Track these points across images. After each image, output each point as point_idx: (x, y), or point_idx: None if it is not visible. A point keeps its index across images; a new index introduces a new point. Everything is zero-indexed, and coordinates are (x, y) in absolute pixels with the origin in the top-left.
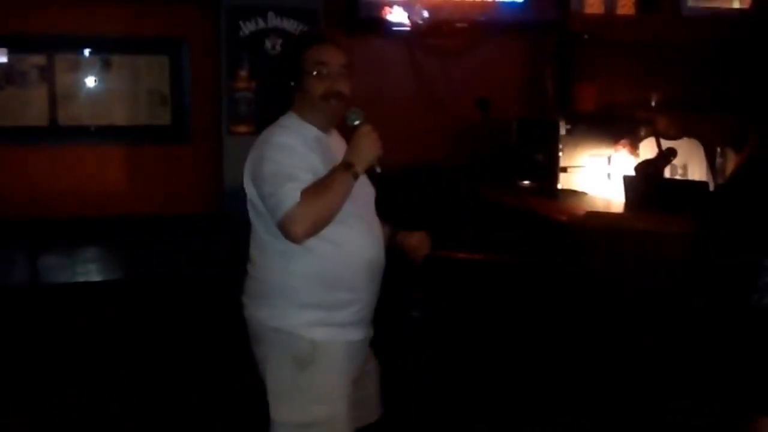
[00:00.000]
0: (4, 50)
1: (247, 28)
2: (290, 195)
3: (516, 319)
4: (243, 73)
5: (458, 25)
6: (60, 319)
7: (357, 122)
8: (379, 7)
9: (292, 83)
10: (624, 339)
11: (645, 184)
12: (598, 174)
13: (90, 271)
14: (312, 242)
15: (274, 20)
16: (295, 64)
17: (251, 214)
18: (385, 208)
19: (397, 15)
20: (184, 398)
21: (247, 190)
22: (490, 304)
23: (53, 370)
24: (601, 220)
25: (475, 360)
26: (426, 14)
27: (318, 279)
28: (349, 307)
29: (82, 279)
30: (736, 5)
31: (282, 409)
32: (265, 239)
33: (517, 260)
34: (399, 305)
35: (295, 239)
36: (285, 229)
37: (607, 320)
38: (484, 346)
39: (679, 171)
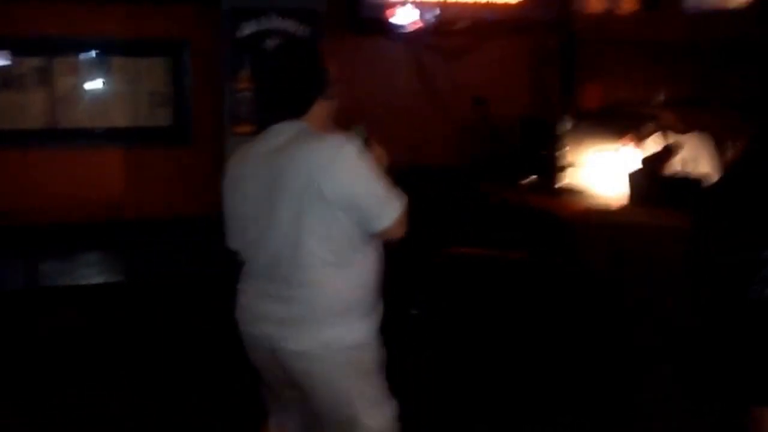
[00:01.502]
0: (6, 53)
1: (248, 28)
2: (399, 198)
3: (516, 318)
4: (244, 73)
5: (461, 25)
6: (61, 323)
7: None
8: (382, 8)
9: (313, 93)
10: (624, 337)
11: (648, 180)
12: (603, 171)
13: (91, 274)
14: (360, 250)
15: (274, 21)
16: (320, 73)
17: (303, 230)
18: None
19: (401, 17)
20: (184, 398)
21: (312, 200)
22: (490, 302)
23: (54, 373)
24: (602, 216)
25: (476, 360)
26: (438, 13)
27: (369, 286)
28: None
29: (83, 282)
30: (738, 1)
31: (377, 415)
32: (317, 255)
33: (519, 256)
34: (399, 303)
35: (395, 240)
36: (392, 232)
37: (608, 318)
38: (484, 345)
39: (690, 165)
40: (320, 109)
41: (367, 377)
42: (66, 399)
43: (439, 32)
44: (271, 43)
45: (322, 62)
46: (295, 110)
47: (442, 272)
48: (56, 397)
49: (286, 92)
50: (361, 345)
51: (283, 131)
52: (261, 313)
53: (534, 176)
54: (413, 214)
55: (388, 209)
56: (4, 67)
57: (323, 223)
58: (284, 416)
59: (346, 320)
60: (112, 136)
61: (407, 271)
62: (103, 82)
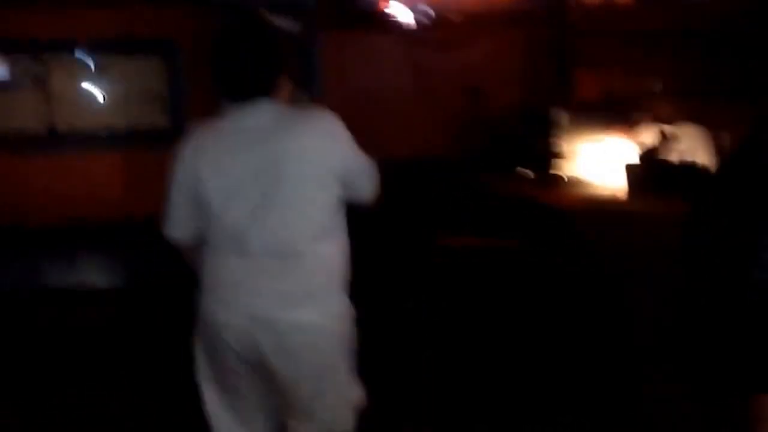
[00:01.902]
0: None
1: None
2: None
3: (514, 311)
4: None
5: (455, 17)
6: (61, 324)
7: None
8: (374, 2)
9: (279, 70)
10: (624, 331)
11: (646, 170)
12: (599, 161)
13: (90, 275)
14: (342, 220)
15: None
16: (280, 49)
17: (313, 199)
18: (385, 202)
19: (394, 8)
20: (186, 399)
21: (317, 171)
22: (487, 293)
23: (56, 374)
24: (601, 205)
25: (475, 356)
26: (431, 12)
27: (347, 256)
28: None
29: (82, 283)
30: None
31: (353, 390)
32: (318, 226)
33: (516, 246)
34: (394, 296)
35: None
36: (373, 199)
37: (608, 311)
38: (483, 340)
39: (686, 156)
40: (283, 84)
41: (348, 351)
42: (66, 399)
43: (432, 25)
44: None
45: (278, 38)
46: (266, 89)
47: (438, 264)
48: (57, 397)
49: (255, 72)
50: (347, 315)
51: (258, 110)
52: (250, 290)
53: (530, 167)
54: (410, 207)
55: (373, 178)
56: None
57: (325, 195)
58: None
59: (337, 290)
60: (108, 137)
61: (402, 264)
62: (97, 84)
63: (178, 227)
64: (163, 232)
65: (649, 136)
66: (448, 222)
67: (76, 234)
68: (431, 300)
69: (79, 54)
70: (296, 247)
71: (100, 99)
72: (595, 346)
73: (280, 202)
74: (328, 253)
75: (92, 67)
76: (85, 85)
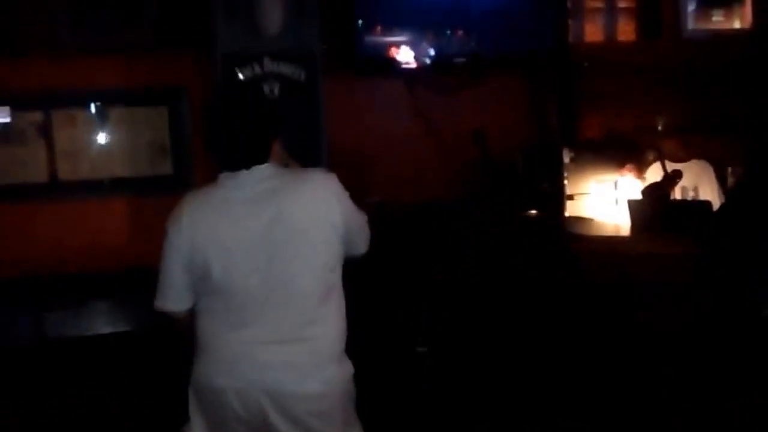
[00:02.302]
0: (6, 108)
1: (243, 74)
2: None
3: (518, 328)
4: None
5: (457, 60)
6: (68, 375)
7: None
8: (382, 48)
9: (274, 134)
10: (628, 348)
11: (649, 207)
12: (604, 200)
13: (97, 324)
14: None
15: (270, 65)
16: (276, 113)
17: (318, 262)
18: (393, 246)
19: (404, 55)
20: None
21: (321, 232)
22: (493, 318)
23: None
24: (605, 243)
25: (476, 365)
26: (432, 53)
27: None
28: None
29: (89, 333)
30: (737, 25)
31: None
32: (325, 290)
33: (519, 273)
34: (403, 340)
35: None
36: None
37: (612, 331)
38: (484, 351)
39: (690, 193)
40: (276, 146)
41: (350, 406)
42: None
43: (435, 69)
44: (268, 87)
45: (273, 105)
46: (263, 155)
47: (445, 299)
48: None
49: (254, 141)
50: (350, 376)
51: (257, 176)
52: (258, 361)
53: (536, 208)
54: (417, 248)
55: (368, 233)
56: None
57: (330, 257)
58: None
59: (342, 354)
60: (114, 186)
61: (409, 307)
62: (102, 133)
63: (175, 299)
64: (156, 305)
65: (654, 173)
66: (450, 260)
67: (82, 283)
68: (440, 336)
69: (82, 103)
70: (304, 314)
71: (104, 148)
72: (596, 351)
73: (286, 267)
74: (333, 317)
75: (96, 115)
76: (89, 134)
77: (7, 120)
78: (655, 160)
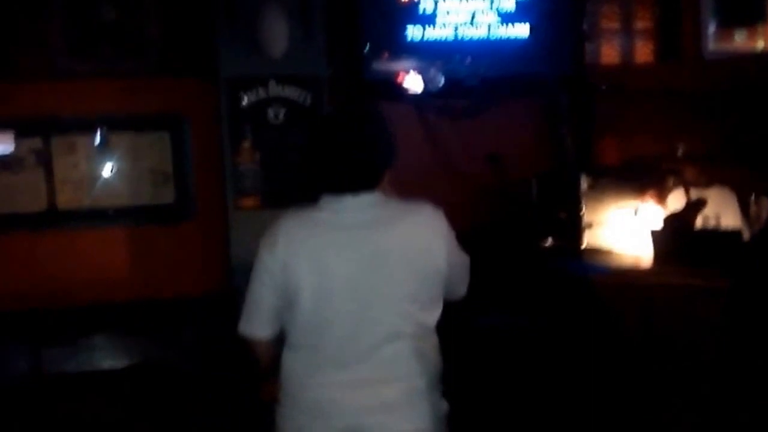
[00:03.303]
0: (10, 135)
1: (248, 98)
2: None
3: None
4: (246, 145)
5: (469, 84)
6: (68, 411)
7: None
8: (388, 73)
9: (389, 162)
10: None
11: (674, 237)
12: (624, 229)
13: (98, 357)
14: None
15: (275, 89)
16: (392, 141)
17: (421, 300)
18: None
19: (411, 81)
20: None
21: (426, 271)
22: (517, 370)
23: None
24: (630, 277)
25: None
26: (442, 80)
27: None
28: None
29: (89, 368)
30: (760, 45)
31: None
32: (428, 327)
33: (541, 325)
34: None
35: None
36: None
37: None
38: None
39: (712, 221)
40: (387, 176)
41: None
42: None
43: (447, 94)
44: (273, 112)
45: (390, 129)
46: (374, 182)
47: (466, 348)
48: None
49: (370, 164)
50: (445, 416)
51: (362, 203)
52: (353, 403)
53: (552, 238)
54: None
55: (468, 275)
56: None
57: (432, 296)
58: None
59: (438, 391)
60: (114, 215)
61: None
62: (103, 161)
63: (261, 325)
64: (239, 330)
65: (675, 200)
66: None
67: (83, 314)
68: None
69: (82, 129)
70: (403, 352)
71: (105, 175)
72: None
73: (384, 304)
74: (430, 355)
75: (96, 142)
76: (89, 161)
77: (11, 149)
78: (676, 187)
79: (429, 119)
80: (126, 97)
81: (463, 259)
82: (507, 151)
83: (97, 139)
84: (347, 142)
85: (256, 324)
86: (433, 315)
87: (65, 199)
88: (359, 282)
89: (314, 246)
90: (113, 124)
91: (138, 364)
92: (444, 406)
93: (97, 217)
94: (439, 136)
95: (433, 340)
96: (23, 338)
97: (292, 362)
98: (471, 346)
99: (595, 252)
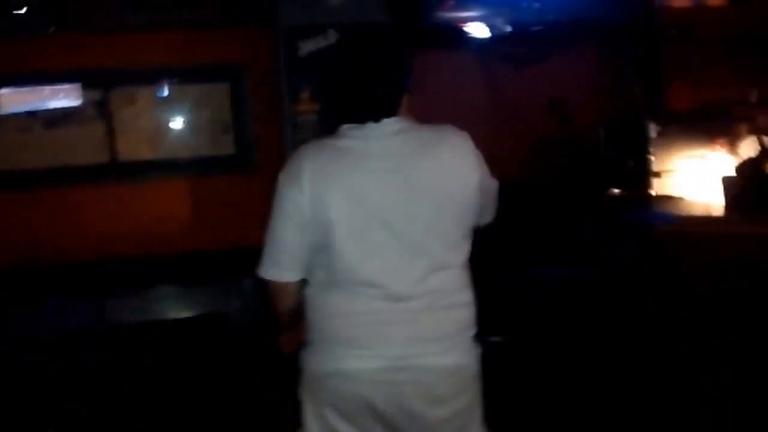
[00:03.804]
0: (75, 88)
1: (307, 47)
2: None
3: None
4: (305, 95)
5: (533, 29)
6: (132, 360)
7: None
8: (448, 20)
9: (406, 85)
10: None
11: (746, 185)
12: (694, 178)
13: (162, 309)
14: None
15: (334, 38)
16: (409, 64)
17: (455, 228)
18: None
19: (475, 28)
20: None
21: (459, 197)
22: (576, 323)
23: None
24: (700, 225)
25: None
26: (509, 28)
27: None
28: None
29: (153, 318)
30: None
31: None
32: (463, 258)
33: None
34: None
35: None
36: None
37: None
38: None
39: None
40: (406, 100)
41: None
42: None
43: (512, 41)
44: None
45: (406, 52)
46: (394, 107)
47: (523, 293)
48: None
49: (389, 88)
50: (479, 354)
51: (386, 130)
52: (393, 337)
53: (620, 187)
54: (494, 234)
55: (496, 200)
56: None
57: (467, 223)
58: None
59: (474, 327)
60: (173, 167)
61: (485, 295)
62: (163, 112)
63: (287, 268)
64: (262, 275)
65: (747, 148)
66: (533, 250)
67: (143, 266)
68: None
69: (142, 81)
70: (440, 283)
71: (166, 127)
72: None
73: (421, 233)
74: (466, 288)
75: (156, 93)
76: (149, 112)
77: (76, 101)
78: (748, 134)
79: (492, 67)
80: (185, 48)
81: (492, 184)
82: (573, 98)
83: (158, 91)
84: (359, 67)
85: (283, 266)
86: (467, 245)
87: (126, 151)
88: (396, 211)
89: (345, 176)
90: (173, 76)
91: (200, 314)
92: (478, 343)
93: (158, 168)
94: (502, 84)
95: (468, 273)
96: (88, 289)
97: (325, 300)
98: (527, 296)
99: (663, 200)
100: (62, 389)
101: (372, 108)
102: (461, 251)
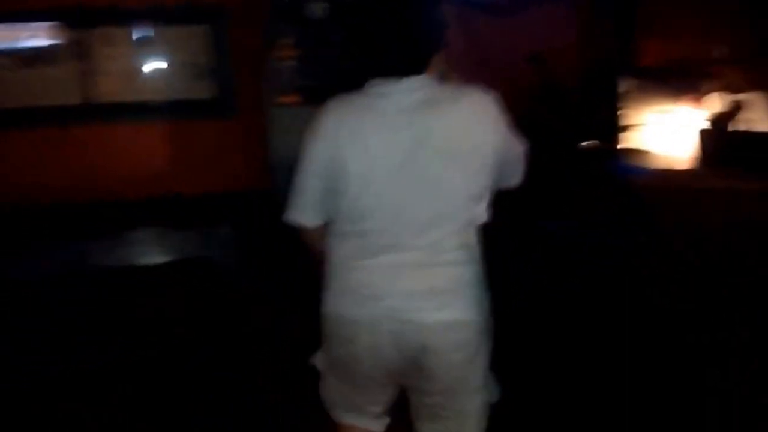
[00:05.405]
0: (47, 27)
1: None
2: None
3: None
4: (287, 41)
5: None
6: (110, 304)
7: None
8: None
9: (437, 46)
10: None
11: (718, 140)
12: (665, 131)
13: (139, 252)
14: None
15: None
16: (442, 23)
17: (467, 186)
18: None
19: None
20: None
21: (475, 158)
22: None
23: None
24: (674, 179)
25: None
26: None
27: None
28: None
29: (131, 262)
30: None
31: (494, 391)
32: (473, 216)
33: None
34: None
35: None
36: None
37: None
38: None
39: (755, 125)
40: (436, 59)
41: (488, 348)
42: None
43: None
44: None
45: (438, 12)
46: (419, 64)
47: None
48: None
49: (417, 46)
50: (488, 309)
51: (407, 86)
52: (395, 288)
53: (595, 139)
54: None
55: (523, 163)
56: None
57: (479, 184)
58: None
59: (482, 283)
60: (153, 109)
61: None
62: (141, 54)
63: (306, 213)
64: (287, 217)
65: (716, 104)
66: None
67: (122, 209)
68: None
69: (119, 22)
70: (446, 238)
71: (143, 69)
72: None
73: (430, 190)
74: (475, 244)
75: (134, 34)
76: (126, 54)
77: (48, 41)
78: (716, 90)
79: (469, 16)
80: None
81: (515, 147)
82: (548, 50)
83: (137, 32)
84: (387, 22)
85: (302, 212)
86: (479, 205)
87: (101, 93)
88: (403, 166)
89: (359, 130)
90: (152, 16)
91: (183, 258)
92: (487, 299)
93: (135, 110)
94: (479, 33)
95: (476, 233)
96: (68, 232)
97: (338, 248)
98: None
99: (632, 153)
100: (62, 389)
101: (396, 65)
102: (469, 210)
